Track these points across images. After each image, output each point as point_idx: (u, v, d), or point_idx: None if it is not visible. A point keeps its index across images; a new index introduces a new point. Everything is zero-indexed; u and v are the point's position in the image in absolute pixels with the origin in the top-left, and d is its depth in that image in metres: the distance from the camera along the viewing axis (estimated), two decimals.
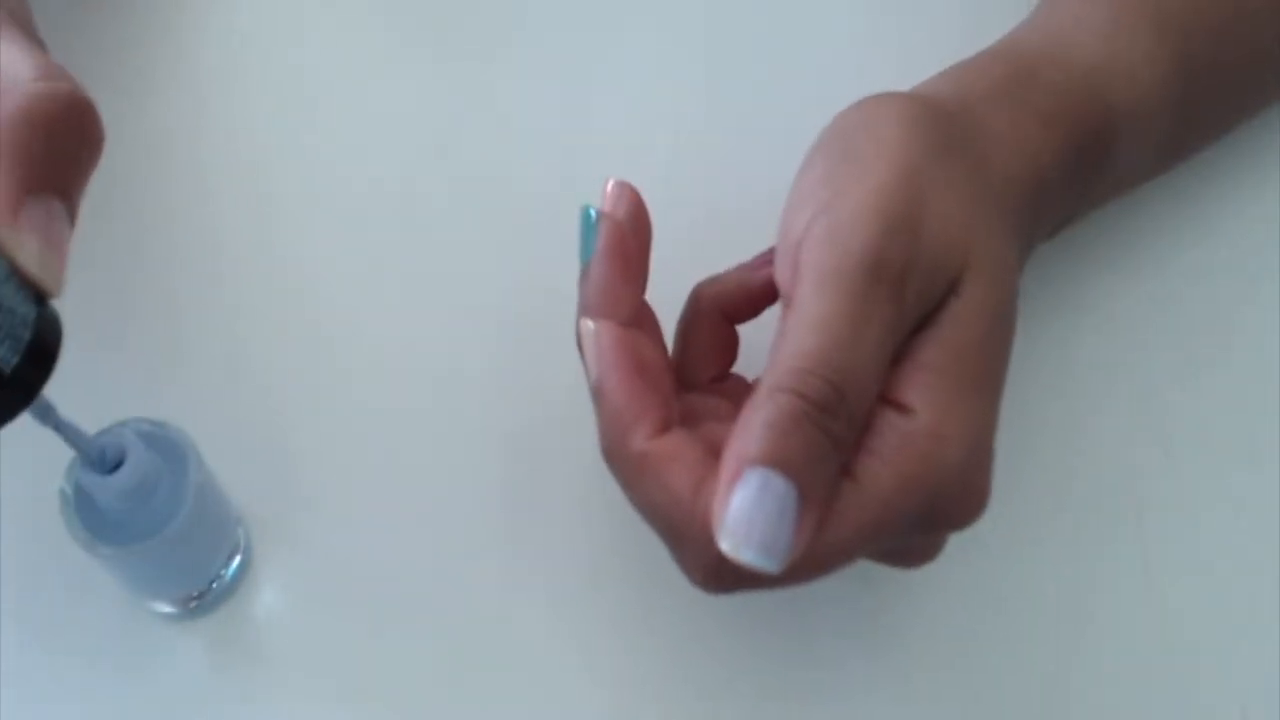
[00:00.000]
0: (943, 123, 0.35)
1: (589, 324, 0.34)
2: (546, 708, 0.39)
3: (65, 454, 0.35)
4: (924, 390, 0.32)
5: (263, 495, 0.41)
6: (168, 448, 0.36)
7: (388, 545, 0.41)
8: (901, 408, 0.32)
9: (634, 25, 0.48)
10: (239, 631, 0.40)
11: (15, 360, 0.27)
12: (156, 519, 0.35)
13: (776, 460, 0.29)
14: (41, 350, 0.28)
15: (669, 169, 0.44)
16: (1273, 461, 0.42)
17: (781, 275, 0.34)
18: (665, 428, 0.33)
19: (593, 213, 0.34)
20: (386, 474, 0.42)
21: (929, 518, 0.32)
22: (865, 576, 0.40)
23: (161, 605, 0.39)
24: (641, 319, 0.35)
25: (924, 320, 0.32)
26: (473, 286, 0.44)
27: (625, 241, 0.34)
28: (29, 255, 0.27)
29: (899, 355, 0.32)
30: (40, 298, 0.28)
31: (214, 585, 0.39)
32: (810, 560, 0.30)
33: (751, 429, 0.30)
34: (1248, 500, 0.42)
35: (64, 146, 0.28)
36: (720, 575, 0.31)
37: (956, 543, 0.40)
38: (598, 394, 0.33)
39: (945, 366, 0.32)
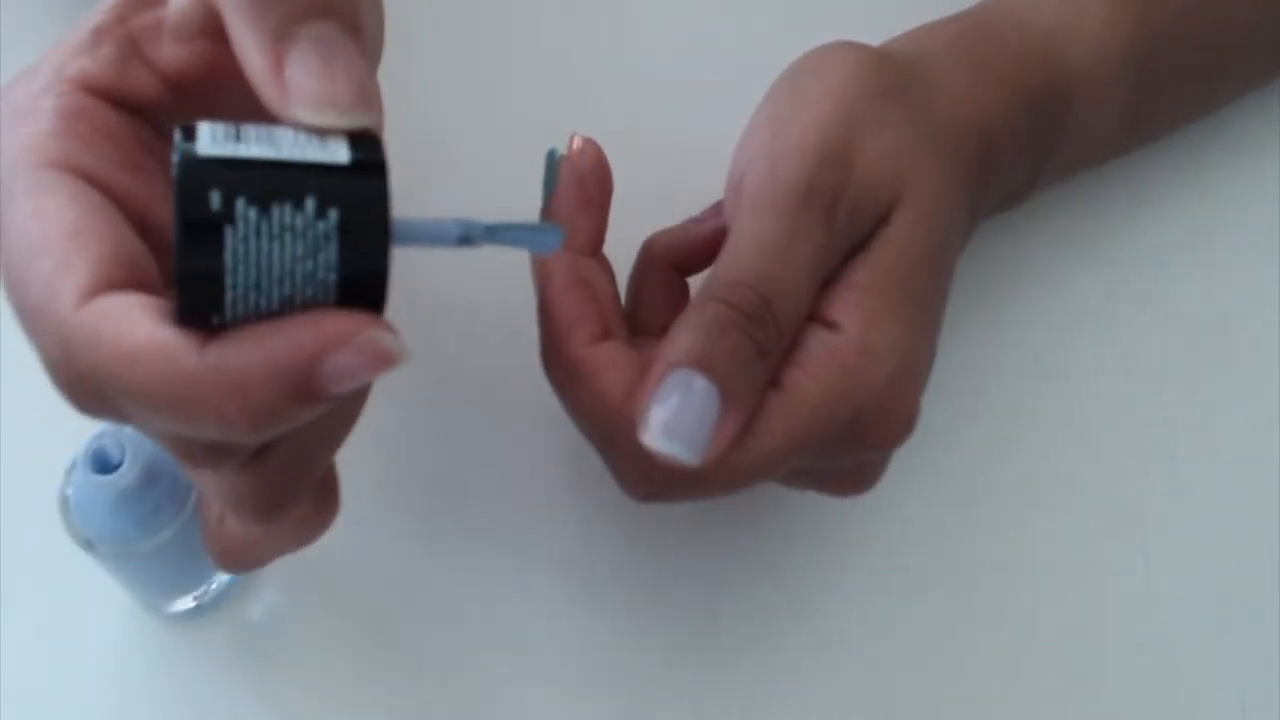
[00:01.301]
0: (890, 69, 0.36)
1: None
2: (546, 708, 0.39)
3: (65, 454, 0.35)
4: (852, 308, 0.33)
5: None
6: None
7: (388, 544, 0.41)
8: (830, 324, 0.33)
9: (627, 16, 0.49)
10: (239, 631, 0.39)
11: (346, 158, 0.23)
12: (156, 519, 0.35)
13: (700, 361, 0.31)
14: (366, 219, 0.23)
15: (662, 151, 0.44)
16: (1273, 462, 0.42)
17: (728, 209, 0.35)
18: (602, 338, 0.34)
19: (556, 154, 0.36)
20: (386, 473, 0.41)
21: (855, 433, 0.33)
22: (862, 572, 0.41)
23: (162, 605, 0.39)
24: (596, 260, 0.36)
25: (856, 247, 0.34)
26: (476, 289, 0.44)
27: (583, 179, 0.35)
28: (305, 102, 0.24)
29: (831, 279, 0.34)
30: (356, 140, 0.24)
31: (214, 586, 0.39)
32: (738, 467, 0.32)
33: (679, 334, 0.32)
34: (1248, 501, 0.42)
35: None
36: (650, 480, 0.32)
37: (957, 540, 0.41)
38: (540, 305, 0.35)
39: (873, 286, 0.33)
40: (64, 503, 0.35)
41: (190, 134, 0.23)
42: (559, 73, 0.47)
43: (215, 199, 0.22)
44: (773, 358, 0.32)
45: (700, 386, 0.31)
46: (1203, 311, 0.44)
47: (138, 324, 0.24)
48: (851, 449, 0.34)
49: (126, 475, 0.34)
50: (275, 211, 0.22)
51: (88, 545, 0.35)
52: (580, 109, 0.46)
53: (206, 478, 0.28)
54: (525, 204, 0.36)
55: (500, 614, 0.40)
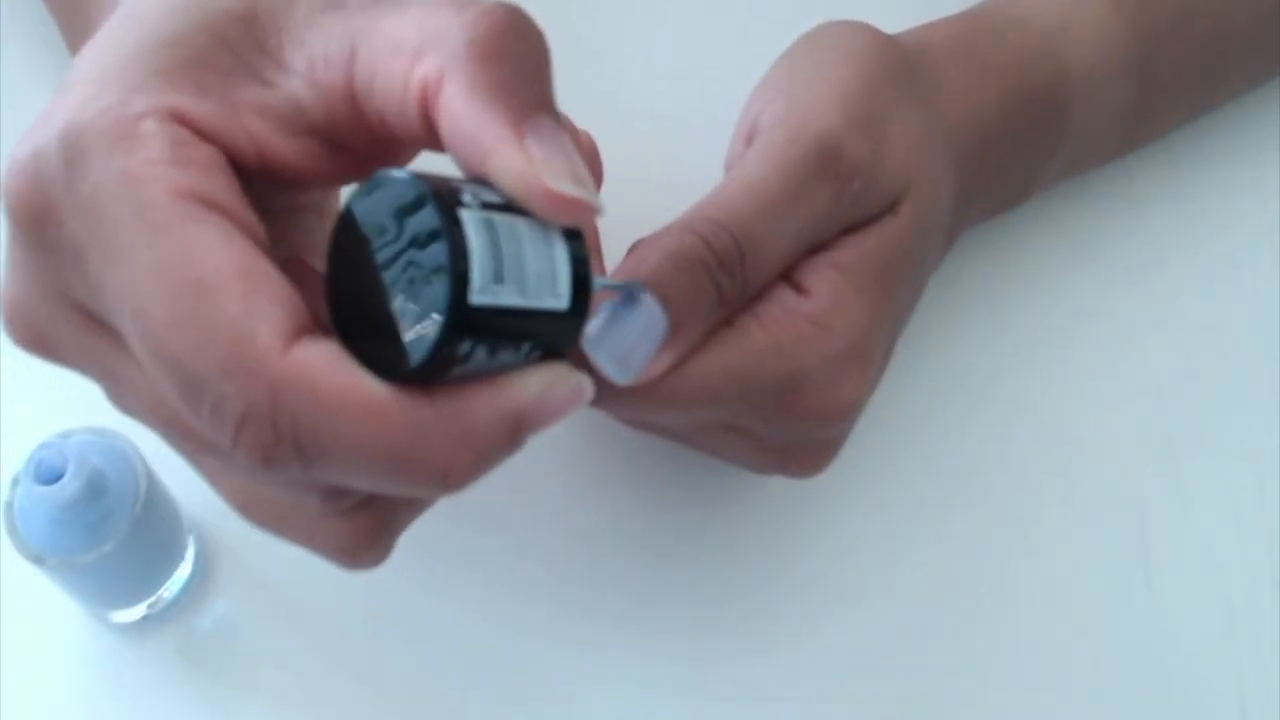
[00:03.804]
0: (898, 54, 0.36)
1: None
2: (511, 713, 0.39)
3: (11, 465, 0.35)
4: (826, 282, 0.33)
5: (215, 503, 0.39)
6: (113, 457, 0.35)
7: None
8: (799, 288, 0.33)
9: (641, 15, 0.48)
10: (191, 641, 0.39)
11: (565, 305, 0.26)
12: (101, 530, 0.35)
13: (659, 288, 0.31)
14: (584, 285, 0.26)
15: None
16: (1273, 462, 0.42)
17: (731, 155, 0.35)
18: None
19: None
20: None
21: (792, 398, 0.33)
22: (862, 572, 0.40)
23: (113, 615, 0.39)
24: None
25: (852, 226, 0.34)
26: None
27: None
28: (559, 176, 0.25)
29: (818, 247, 0.34)
30: (568, 231, 0.26)
31: (165, 595, 0.39)
32: (667, 391, 0.31)
33: (649, 253, 0.31)
34: (1248, 501, 0.42)
35: (523, 63, 0.26)
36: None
37: (957, 538, 0.41)
38: None
39: (856, 269, 0.33)
40: (6, 515, 0.35)
41: (457, 235, 0.24)
42: (563, 68, 0.46)
43: (465, 345, 0.24)
44: (729, 308, 0.32)
45: (652, 311, 0.30)
46: (1202, 311, 0.44)
47: (361, 375, 0.24)
48: (787, 416, 0.33)
49: (69, 486, 0.34)
50: (501, 353, 0.25)
51: (32, 558, 0.35)
52: (582, 101, 0.45)
53: (303, 527, 0.29)
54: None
55: (455, 624, 0.39)
